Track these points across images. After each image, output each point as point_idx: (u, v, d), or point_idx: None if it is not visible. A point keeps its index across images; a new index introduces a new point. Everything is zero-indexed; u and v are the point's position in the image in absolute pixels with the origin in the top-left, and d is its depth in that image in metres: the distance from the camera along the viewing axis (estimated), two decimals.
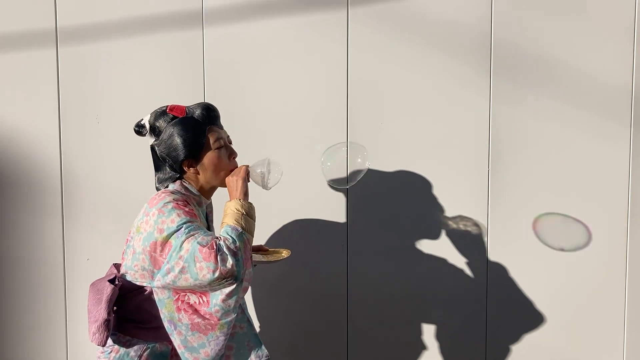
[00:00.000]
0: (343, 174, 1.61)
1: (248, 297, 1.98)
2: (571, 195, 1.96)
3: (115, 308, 1.40)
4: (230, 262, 1.28)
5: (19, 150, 1.95)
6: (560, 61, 1.93)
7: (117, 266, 1.51)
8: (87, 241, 1.97)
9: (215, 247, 1.28)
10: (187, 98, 1.90)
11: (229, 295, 1.30)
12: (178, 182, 1.45)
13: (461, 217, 1.97)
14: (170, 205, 1.33)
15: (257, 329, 1.98)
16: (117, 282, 1.39)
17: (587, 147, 1.95)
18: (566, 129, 1.94)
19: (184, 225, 1.31)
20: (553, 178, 1.96)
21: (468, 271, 1.98)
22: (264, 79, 1.93)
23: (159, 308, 1.34)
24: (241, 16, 1.92)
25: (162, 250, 1.32)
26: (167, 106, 1.44)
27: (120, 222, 1.94)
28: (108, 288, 1.36)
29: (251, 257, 1.37)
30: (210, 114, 1.44)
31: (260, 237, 1.94)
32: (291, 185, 1.92)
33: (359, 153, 1.60)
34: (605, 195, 1.96)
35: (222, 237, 1.32)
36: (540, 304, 1.99)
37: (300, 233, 1.97)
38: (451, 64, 1.93)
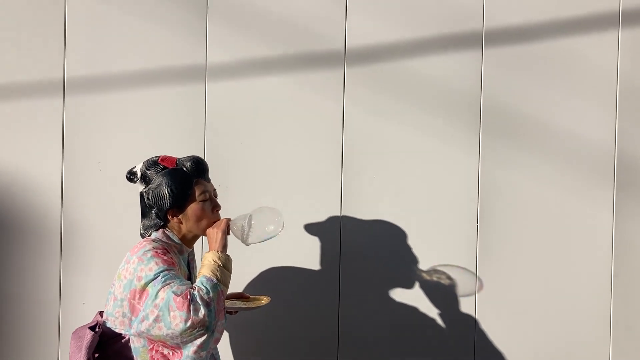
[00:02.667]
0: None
1: (234, 346, 2.01)
2: (556, 252, 2.02)
3: (97, 355, 1.42)
4: (202, 312, 1.32)
5: (21, 194, 1.99)
6: (546, 122, 2.02)
7: (101, 314, 1.54)
8: (84, 286, 1.99)
9: (188, 297, 1.32)
10: (188, 149, 1.96)
11: (201, 347, 1.34)
12: (161, 230, 1.50)
13: (451, 270, 2.02)
14: (149, 254, 1.39)
15: None
16: (97, 329, 1.42)
17: (572, 206, 2.02)
18: (552, 188, 2.02)
19: (161, 274, 1.36)
20: (539, 235, 2.02)
21: (457, 322, 2.02)
22: (263, 132, 2.01)
23: (134, 356, 1.39)
24: (242, 72, 2.00)
25: (140, 297, 1.36)
26: (159, 156, 1.51)
27: (117, 268, 1.97)
28: (88, 335, 1.39)
29: (224, 308, 1.40)
30: (199, 167, 1.51)
31: (253, 285, 1.97)
32: (285, 234, 1.97)
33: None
34: (589, 253, 2.02)
35: (196, 287, 1.36)
36: (529, 354, 2.02)
37: (291, 280, 2.01)
38: (442, 122, 2.01)
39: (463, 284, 2.02)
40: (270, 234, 1.50)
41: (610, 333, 2.03)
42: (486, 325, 2.02)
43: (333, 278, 2.01)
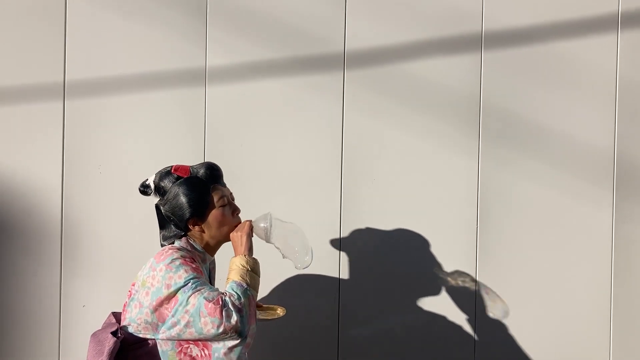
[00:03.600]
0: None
1: None
2: (556, 253, 2.02)
3: None
4: (234, 318, 1.32)
5: (22, 197, 2.00)
6: (545, 125, 2.02)
7: (115, 315, 1.54)
8: (84, 288, 2.00)
9: (220, 303, 1.32)
10: (188, 151, 1.97)
11: (231, 349, 1.35)
12: (184, 239, 1.49)
13: (451, 273, 2.03)
14: (178, 262, 1.38)
15: None
16: (119, 335, 1.41)
17: (572, 207, 2.02)
18: (551, 190, 2.02)
19: (191, 281, 1.36)
20: (539, 236, 2.02)
21: (457, 326, 2.03)
22: (263, 135, 2.01)
23: (162, 359, 1.38)
24: (242, 75, 2.01)
25: (167, 304, 1.36)
26: (171, 166, 1.50)
27: (117, 271, 1.98)
28: (110, 340, 1.38)
29: (255, 313, 1.41)
30: (213, 173, 1.50)
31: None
32: None
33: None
34: (589, 254, 2.03)
35: (227, 293, 1.36)
36: (529, 357, 2.04)
37: (292, 287, 2.01)
38: (442, 126, 2.02)
39: (463, 289, 2.03)
40: (301, 258, 1.51)
41: (610, 334, 2.03)
42: (486, 327, 2.03)
43: (333, 280, 2.02)
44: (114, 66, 2.00)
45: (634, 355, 2.03)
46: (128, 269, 1.90)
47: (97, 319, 1.92)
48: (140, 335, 1.41)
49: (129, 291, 1.45)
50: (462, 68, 2.02)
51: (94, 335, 1.45)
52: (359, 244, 2.02)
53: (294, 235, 1.52)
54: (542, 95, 2.02)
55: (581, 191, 2.02)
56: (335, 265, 2.02)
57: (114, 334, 1.41)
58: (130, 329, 1.42)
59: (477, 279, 2.02)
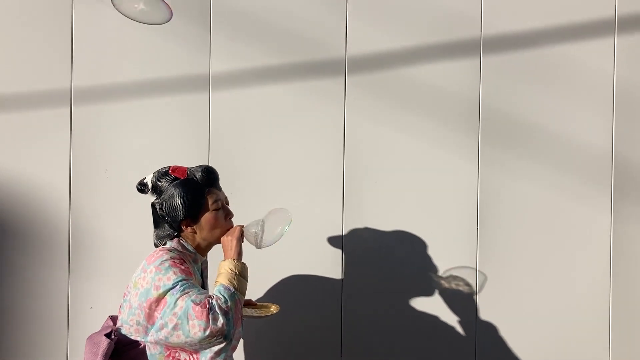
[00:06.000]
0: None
1: (240, 350, 2.04)
2: (555, 255, 2.05)
3: None
4: (221, 321, 1.34)
5: (30, 202, 2.03)
6: (544, 127, 2.05)
7: (113, 318, 1.57)
8: (91, 291, 2.03)
9: (207, 306, 1.34)
10: (193, 155, 2.00)
11: (218, 354, 1.37)
12: (175, 239, 1.52)
13: (453, 276, 2.06)
14: (167, 264, 1.41)
15: None
16: (113, 337, 1.44)
17: (571, 209, 2.05)
18: (550, 192, 2.05)
19: (180, 283, 1.38)
20: (538, 238, 2.05)
21: (458, 327, 2.05)
22: (266, 139, 2.04)
23: None
24: (245, 81, 2.04)
25: (157, 306, 1.38)
26: (169, 167, 1.53)
27: (124, 274, 2.00)
28: (104, 342, 1.40)
29: (241, 316, 1.43)
30: (210, 176, 1.52)
31: (256, 292, 2.01)
32: (287, 240, 2.00)
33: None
34: (587, 255, 2.05)
35: (214, 296, 1.38)
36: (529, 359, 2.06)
37: (295, 287, 2.04)
38: (442, 129, 2.04)
39: (464, 291, 2.06)
40: (280, 234, 1.52)
41: (610, 332, 2.05)
42: (487, 328, 2.05)
43: (335, 282, 2.05)
44: (120, 73, 2.03)
45: (633, 352, 2.06)
46: (132, 271, 1.92)
47: (104, 320, 1.95)
48: (132, 337, 1.43)
49: (124, 293, 1.48)
50: (462, 72, 2.05)
51: (90, 338, 1.48)
52: (361, 245, 2.05)
53: (277, 226, 1.52)
54: (541, 98, 2.05)
55: (580, 192, 2.05)
56: (338, 266, 2.05)
57: (107, 336, 1.43)
58: (123, 331, 1.44)
59: (477, 278, 2.05)
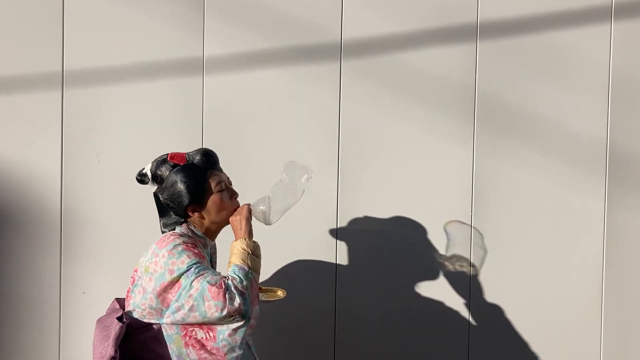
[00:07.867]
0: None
1: None
2: (549, 241, 2.05)
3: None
4: (237, 301, 1.34)
5: (21, 186, 2.02)
6: (540, 115, 2.05)
7: (119, 301, 1.56)
8: (84, 275, 2.02)
9: (223, 287, 1.35)
10: (187, 140, 1.99)
11: (235, 330, 1.37)
12: (184, 225, 1.51)
13: (445, 260, 2.06)
14: (180, 247, 1.40)
15: None
16: (124, 320, 1.43)
17: (565, 198, 2.05)
18: (545, 180, 2.05)
19: (194, 266, 1.38)
20: (532, 226, 2.05)
21: (453, 311, 2.06)
22: (260, 124, 2.03)
23: (168, 343, 1.41)
24: (240, 65, 2.03)
25: (171, 289, 1.38)
26: (167, 154, 1.51)
27: (117, 258, 2.00)
28: (116, 325, 1.40)
29: (258, 295, 1.43)
30: (209, 159, 1.52)
31: None
32: (280, 230, 1.99)
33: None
34: (581, 244, 2.06)
35: (230, 277, 1.39)
36: (522, 346, 2.06)
37: (289, 272, 2.04)
38: (437, 116, 2.04)
39: (458, 276, 2.06)
40: (289, 204, 1.52)
41: (602, 319, 2.06)
42: (481, 313, 2.06)
43: (329, 274, 2.05)
44: (112, 56, 2.01)
45: (624, 339, 2.07)
46: (127, 256, 1.92)
47: (97, 305, 1.95)
48: (145, 320, 1.43)
49: (132, 277, 1.47)
50: (458, 58, 2.04)
51: (100, 320, 1.47)
52: (355, 232, 2.04)
53: (285, 198, 1.52)
54: (537, 85, 2.05)
55: (574, 180, 2.05)
56: (332, 253, 2.04)
57: (119, 319, 1.42)
58: (135, 315, 1.44)
59: (471, 265, 2.05)
